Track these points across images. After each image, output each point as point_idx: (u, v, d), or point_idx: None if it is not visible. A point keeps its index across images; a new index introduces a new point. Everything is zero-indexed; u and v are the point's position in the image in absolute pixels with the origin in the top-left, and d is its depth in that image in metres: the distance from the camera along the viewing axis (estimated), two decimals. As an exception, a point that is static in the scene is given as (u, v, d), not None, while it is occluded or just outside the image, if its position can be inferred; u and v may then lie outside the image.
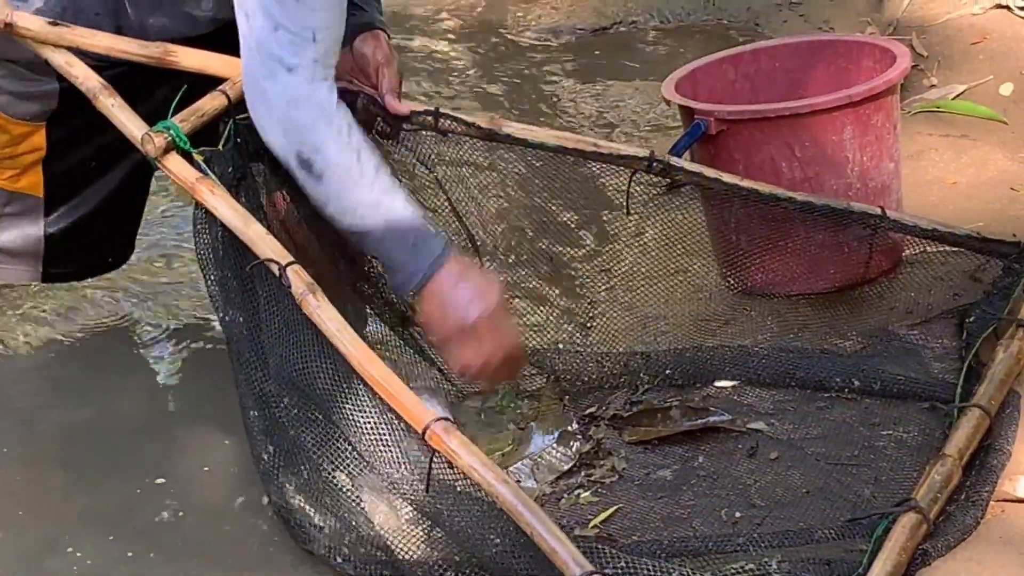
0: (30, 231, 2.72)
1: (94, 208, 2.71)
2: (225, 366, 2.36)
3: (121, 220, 2.80)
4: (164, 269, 3.27)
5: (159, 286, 3.21)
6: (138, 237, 2.91)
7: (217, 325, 2.85)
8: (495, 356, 2.28)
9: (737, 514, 2.16)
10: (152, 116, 2.36)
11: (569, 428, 2.42)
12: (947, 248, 2.66)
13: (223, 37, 2.44)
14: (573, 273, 2.94)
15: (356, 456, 2.12)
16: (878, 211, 2.60)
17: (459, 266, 2.28)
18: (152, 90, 2.51)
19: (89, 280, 3.03)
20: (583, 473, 2.33)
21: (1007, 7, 3.75)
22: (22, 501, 2.49)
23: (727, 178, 2.58)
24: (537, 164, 2.61)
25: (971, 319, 2.49)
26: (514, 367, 2.38)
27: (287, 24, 2.20)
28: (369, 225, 2.27)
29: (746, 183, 2.58)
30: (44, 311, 3.08)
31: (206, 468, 2.53)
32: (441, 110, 2.51)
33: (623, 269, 2.90)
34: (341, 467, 2.14)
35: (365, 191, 2.27)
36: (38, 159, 2.65)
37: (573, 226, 3.09)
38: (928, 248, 2.68)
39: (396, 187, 2.30)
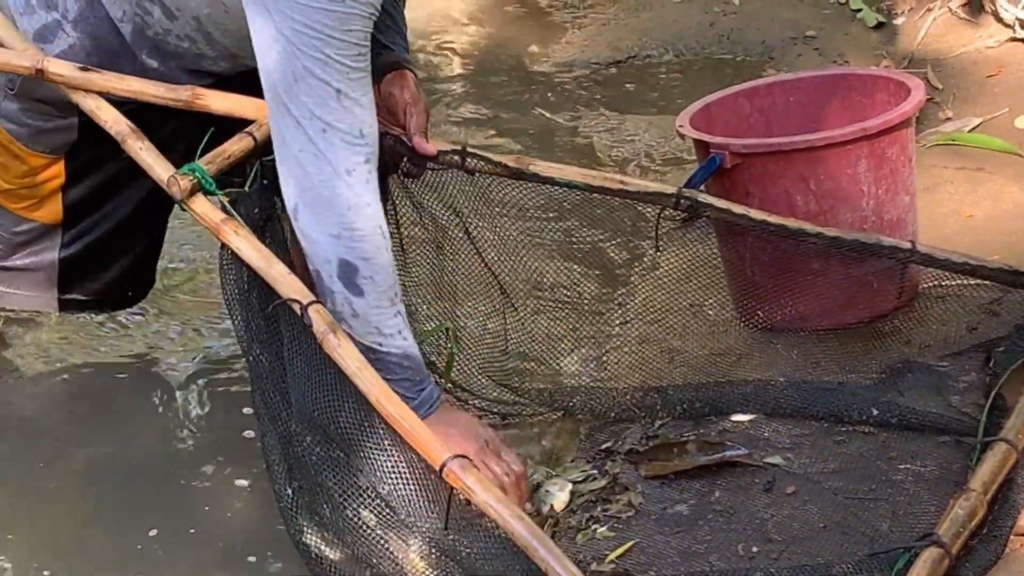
0: (46, 256, 2.73)
1: (109, 231, 2.72)
2: (245, 408, 2.35)
3: (138, 247, 2.81)
4: (195, 301, 3.28)
5: (190, 319, 3.22)
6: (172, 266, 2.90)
7: (242, 364, 2.87)
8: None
9: (754, 549, 2.15)
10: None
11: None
12: (963, 281, 2.64)
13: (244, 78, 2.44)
14: (588, 308, 2.94)
15: (376, 494, 2.12)
16: (908, 245, 2.59)
17: (447, 414, 2.30)
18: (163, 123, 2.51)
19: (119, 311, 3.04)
20: (599, 508, 2.32)
21: (1022, 40, 3.75)
22: (15, 531, 2.51)
23: (755, 214, 2.57)
24: (555, 202, 2.62)
25: (1001, 349, 2.48)
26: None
27: (336, 124, 2.14)
28: (385, 349, 2.24)
29: (774, 219, 2.57)
30: (74, 341, 3.10)
31: (192, 531, 2.51)
32: (468, 148, 2.50)
33: (638, 303, 2.90)
34: (362, 505, 2.13)
35: (392, 316, 2.25)
36: (57, 187, 2.66)
37: (590, 262, 3.09)
38: (944, 282, 2.67)
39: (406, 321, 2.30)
